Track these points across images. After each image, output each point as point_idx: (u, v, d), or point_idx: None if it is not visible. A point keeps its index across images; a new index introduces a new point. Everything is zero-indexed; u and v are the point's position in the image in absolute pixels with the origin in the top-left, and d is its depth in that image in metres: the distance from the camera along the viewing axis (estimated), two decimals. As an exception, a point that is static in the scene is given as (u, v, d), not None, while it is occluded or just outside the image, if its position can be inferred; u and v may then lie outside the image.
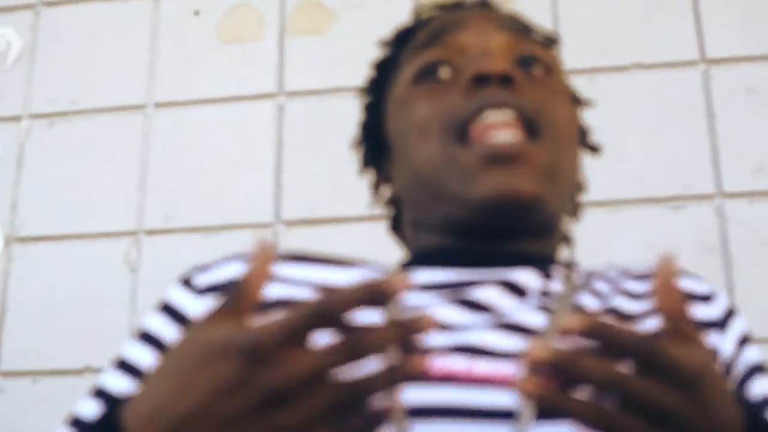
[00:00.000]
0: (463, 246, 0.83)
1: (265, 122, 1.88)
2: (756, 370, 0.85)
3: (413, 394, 0.69)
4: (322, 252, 0.88)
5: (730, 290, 1.66)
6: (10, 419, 1.75)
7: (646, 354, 0.59)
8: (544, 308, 0.79)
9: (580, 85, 1.04)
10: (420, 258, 0.86)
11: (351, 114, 1.86)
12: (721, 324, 0.85)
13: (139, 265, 1.83)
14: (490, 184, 0.77)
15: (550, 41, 0.95)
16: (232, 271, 0.85)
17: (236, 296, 0.61)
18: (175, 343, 0.63)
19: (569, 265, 0.87)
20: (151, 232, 1.85)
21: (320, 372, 0.57)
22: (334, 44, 1.91)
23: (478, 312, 0.77)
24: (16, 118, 1.96)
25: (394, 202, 0.95)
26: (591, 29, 1.81)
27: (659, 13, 1.83)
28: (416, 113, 0.83)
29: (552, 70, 0.87)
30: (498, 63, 0.80)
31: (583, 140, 0.95)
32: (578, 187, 0.93)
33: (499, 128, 0.78)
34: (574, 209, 0.94)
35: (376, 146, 0.95)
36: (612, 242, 1.68)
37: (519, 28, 0.89)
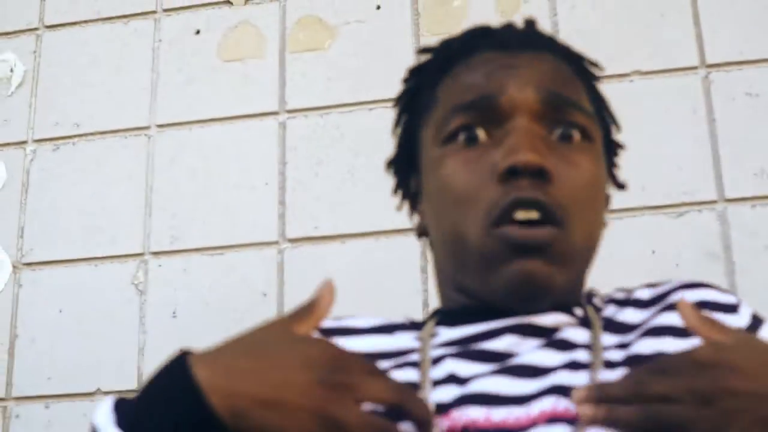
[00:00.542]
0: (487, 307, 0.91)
1: (267, 140, 1.89)
2: None
3: None
4: (357, 321, 0.98)
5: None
6: (24, 444, 1.77)
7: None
8: (561, 346, 0.87)
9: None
10: (446, 317, 0.95)
11: (353, 130, 1.88)
12: (750, 330, 0.92)
13: (147, 287, 1.84)
14: (512, 273, 0.86)
15: (592, 75, 1.01)
16: None
17: (310, 307, 0.82)
18: (253, 329, 0.80)
19: (590, 297, 0.97)
20: (158, 254, 1.86)
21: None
22: (335, 60, 1.91)
23: (493, 361, 0.87)
24: (21, 143, 1.97)
25: (423, 230, 1.02)
26: (590, 37, 1.81)
27: (659, 19, 1.82)
28: (454, 181, 0.90)
29: (588, 130, 0.92)
30: (531, 156, 0.85)
31: (607, 203, 1.02)
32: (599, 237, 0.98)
33: (527, 227, 0.86)
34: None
35: (406, 166, 1.03)
36: (615, 251, 1.68)
37: (561, 82, 0.93)
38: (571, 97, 0.92)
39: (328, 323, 0.95)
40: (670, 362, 0.72)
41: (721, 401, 0.69)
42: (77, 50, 2.02)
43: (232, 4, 1.99)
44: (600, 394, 0.70)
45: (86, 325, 1.83)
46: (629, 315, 0.93)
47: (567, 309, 0.91)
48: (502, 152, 0.87)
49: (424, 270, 1.75)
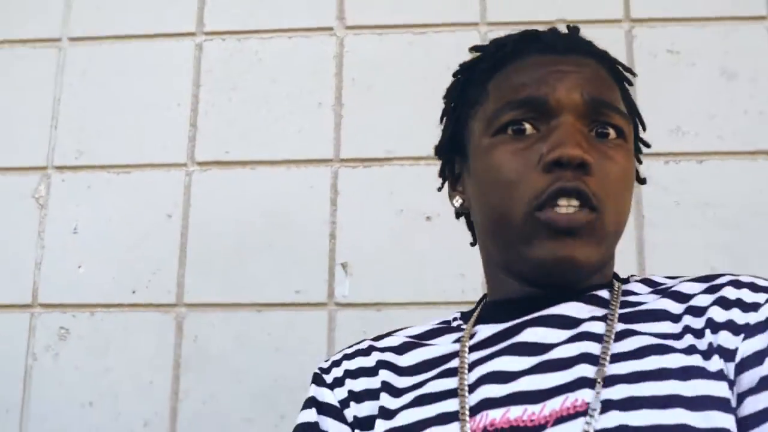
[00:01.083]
0: (525, 293, 1.03)
1: (183, 61, 1.85)
2: None
3: None
4: (399, 336, 1.09)
5: (640, 250, 1.67)
6: None
7: None
8: (588, 336, 0.97)
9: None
10: (488, 312, 1.07)
11: (270, 57, 1.85)
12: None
13: (48, 201, 1.79)
14: (549, 250, 0.98)
15: (626, 79, 1.11)
16: (355, 364, 1.07)
17: None
18: None
19: (619, 283, 1.06)
20: (62, 168, 1.81)
21: None
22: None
23: (525, 354, 0.97)
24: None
25: (463, 211, 1.13)
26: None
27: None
28: (502, 167, 1.01)
29: (622, 129, 1.03)
30: (575, 150, 0.97)
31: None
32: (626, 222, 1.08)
33: (567, 212, 0.98)
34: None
35: (452, 151, 1.13)
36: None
37: (601, 85, 1.04)
38: (610, 100, 1.04)
39: (377, 343, 1.08)
40: None
41: None
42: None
43: None
44: None
45: (-20, 236, 1.78)
46: (667, 304, 1.00)
47: (594, 290, 1.02)
48: (548, 145, 0.98)
49: (333, 202, 1.74)
